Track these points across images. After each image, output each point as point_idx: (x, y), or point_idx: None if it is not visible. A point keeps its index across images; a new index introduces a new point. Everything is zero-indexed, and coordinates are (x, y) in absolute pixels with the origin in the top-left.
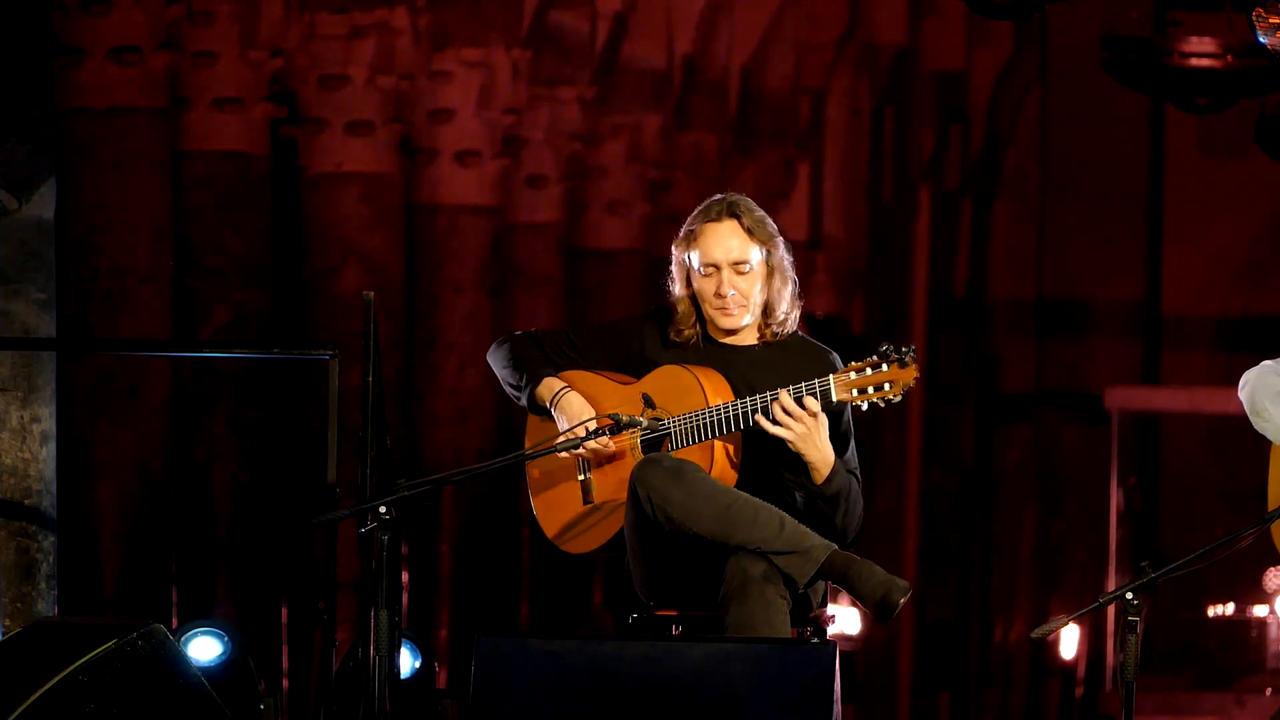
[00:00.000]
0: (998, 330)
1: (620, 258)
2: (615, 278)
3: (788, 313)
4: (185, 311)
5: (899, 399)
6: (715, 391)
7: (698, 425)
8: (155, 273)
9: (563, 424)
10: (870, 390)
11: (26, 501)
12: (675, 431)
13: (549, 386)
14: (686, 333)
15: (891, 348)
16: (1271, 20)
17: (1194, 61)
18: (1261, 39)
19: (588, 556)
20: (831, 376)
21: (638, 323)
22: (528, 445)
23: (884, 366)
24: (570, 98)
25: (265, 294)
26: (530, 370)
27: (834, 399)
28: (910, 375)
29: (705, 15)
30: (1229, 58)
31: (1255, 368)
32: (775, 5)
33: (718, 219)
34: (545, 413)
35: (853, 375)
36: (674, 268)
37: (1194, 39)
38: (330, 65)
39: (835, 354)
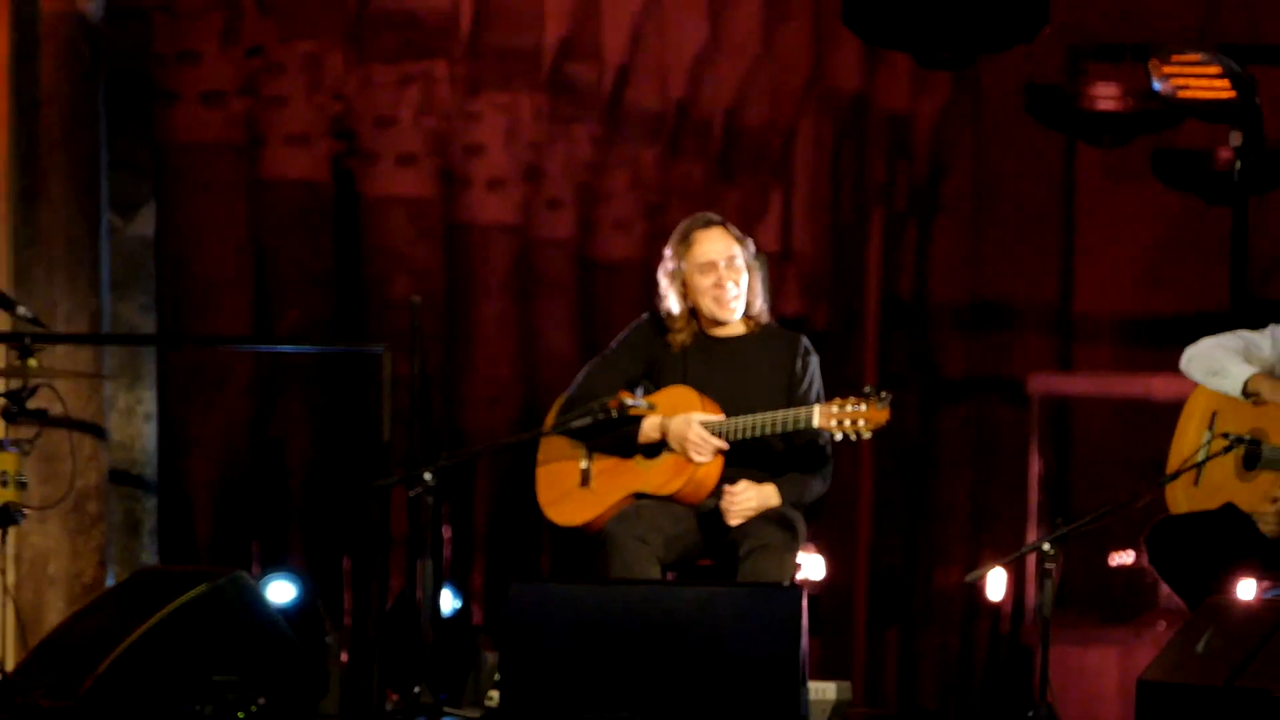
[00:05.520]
0: (937, 328)
1: (624, 268)
2: (619, 285)
3: (763, 304)
4: (263, 312)
5: (868, 436)
6: (709, 406)
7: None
8: (238, 280)
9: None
10: (846, 423)
11: (132, 471)
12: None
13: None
14: (682, 336)
15: (874, 389)
16: (1164, 70)
17: (1100, 105)
18: (1156, 86)
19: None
20: (816, 406)
21: (647, 329)
22: (545, 427)
23: (863, 405)
24: (582, 135)
25: (329, 298)
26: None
27: (815, 425)
28: (883, 416)
29: (694, 66)
30: (1129, 101)
31: (1195, 345)
32: (752, 58)
33: (707, 227)
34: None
35: (834, 408)
36: (665, 280)
37: (1100, 85)
38: (382, 108)
39: (804, 337)
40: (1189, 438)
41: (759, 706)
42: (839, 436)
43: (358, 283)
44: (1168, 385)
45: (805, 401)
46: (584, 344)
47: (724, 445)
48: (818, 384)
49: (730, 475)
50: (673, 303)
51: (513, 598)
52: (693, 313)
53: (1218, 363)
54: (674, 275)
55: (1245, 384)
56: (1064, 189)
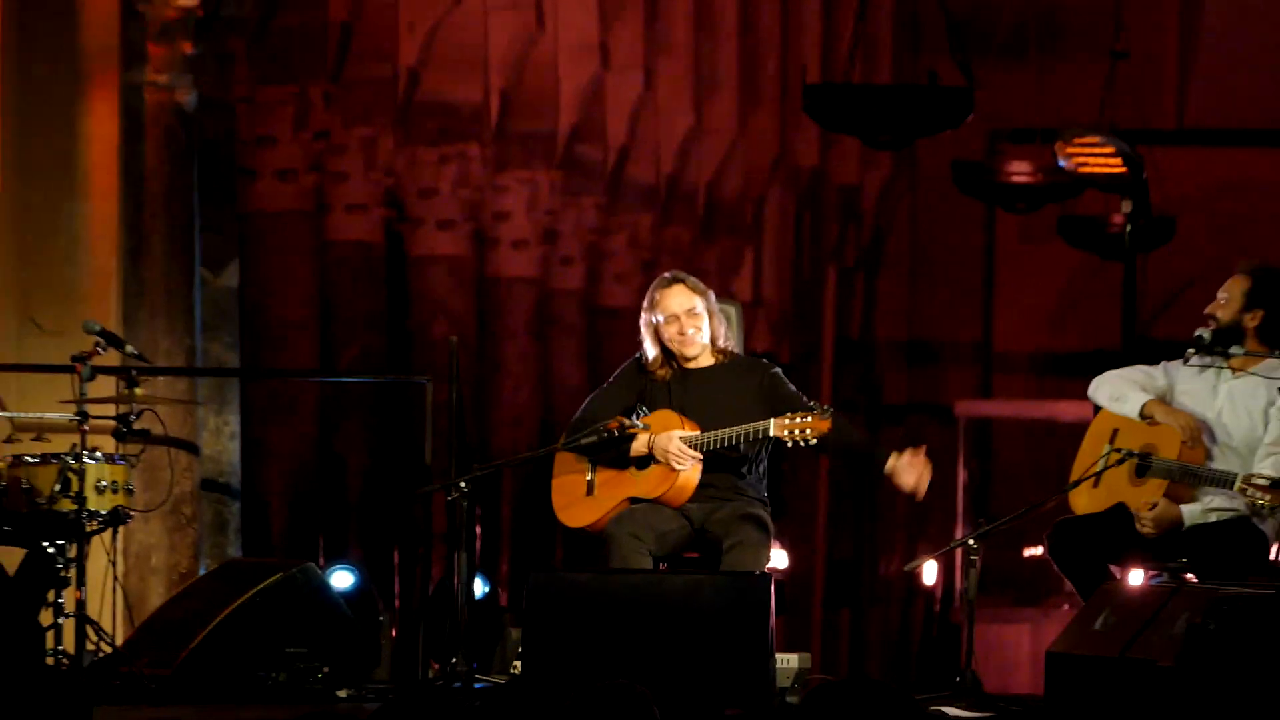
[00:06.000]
0: (881, 362)
1: (623, 313)
2: (619, 327)
3: (727, 339)
4: (327, 350)
5: (814, 443)
6: (687, 425)
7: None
8: (306, 323)
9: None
10: (796, 432)
11: (220, 480)
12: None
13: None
14: (663, 371)
15: (817, 404)
16: (1067, 150)
17: (1015, 178)
18: (1061, 163)
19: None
20: (772, 420)
21: (637, 366)
22: (558, 445)
23: (809, 418)
24: (589, 204)
25: (381, 338)
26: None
27: (772, 434)
28: (825, 425)
29: (681, 147)
30: (1039, 175)
31: (1100, 376)
32: (729, 140)
33: (669, 285)
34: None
35: (786, 420)
36: (644, 330)
37: (1015, 162)
38: (425, 181)
39: (765, 359)
40: (1093, 452)
41: (736, 673)
42: (790, 444)
43: (405, 326)
44: (1071, 410)
45: (787, 400)
46: (590, 376)
47: (699, 456)
48: (789, 386)
49: (706, 479)
50: (649, 348)
51: (532, 584)
52: (668, 353)
53: (1120, 390)
54: (648, 325)
55: (1142, 408)
56: (985, 248)
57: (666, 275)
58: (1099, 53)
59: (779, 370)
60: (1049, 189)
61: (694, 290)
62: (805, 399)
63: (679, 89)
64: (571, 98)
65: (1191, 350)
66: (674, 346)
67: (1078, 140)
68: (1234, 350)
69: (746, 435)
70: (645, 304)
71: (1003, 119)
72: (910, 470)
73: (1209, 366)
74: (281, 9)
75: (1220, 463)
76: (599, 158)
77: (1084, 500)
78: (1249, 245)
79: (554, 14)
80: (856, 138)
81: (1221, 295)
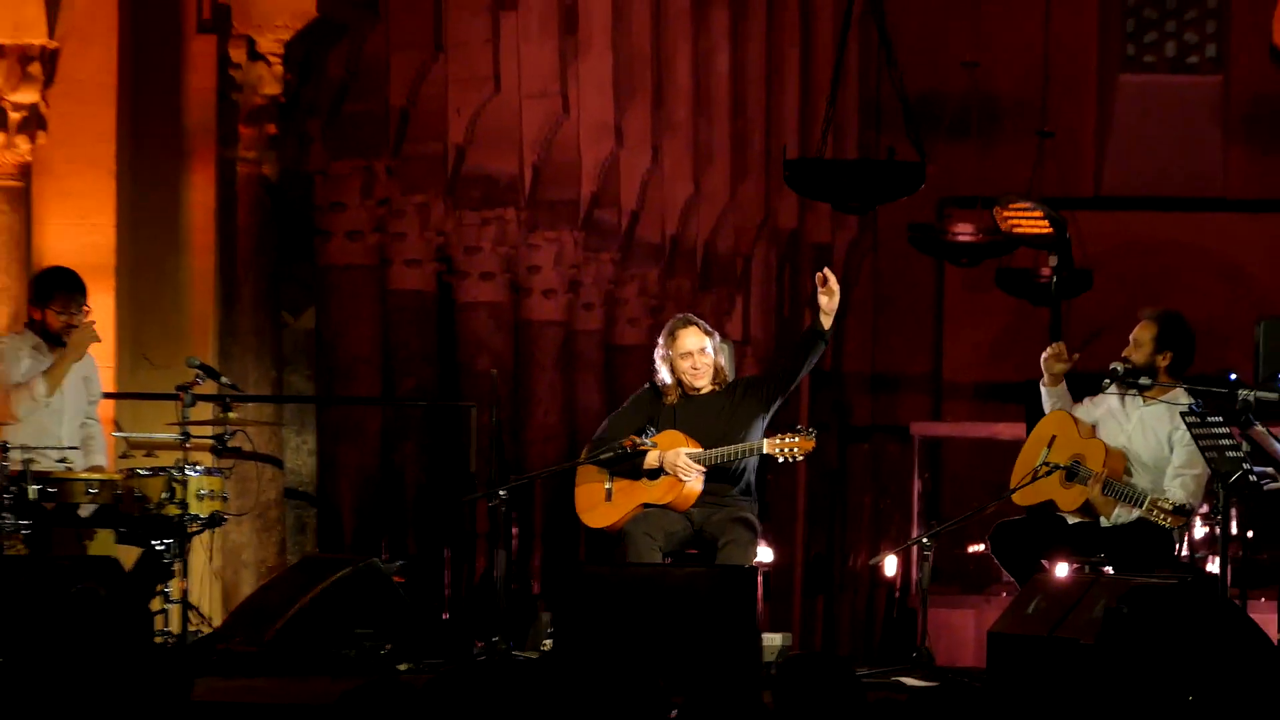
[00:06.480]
0: (849, 390)
1: (634, 350)
2: (630, 362)
3: (726, 371)
4: (388, 381)
5: (801, 459)
6: (691, 443)
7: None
8: (371, 359)
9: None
10: (786, 450)
11: (299, 489)
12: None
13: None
14: (671, 397)
15: (804, 427)
16: (1004, 214)
17: (959, 238)
18: (998, 225)
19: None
20: (764, 440)
21: (648, 394)
22: (581, 459)
23: (797, 438)
24: (606, 259)
25: (434, 371)
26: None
27: (765, 452)
28: (809, 445)
29: (682, 211)
30: (980, 235)
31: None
32: (722, 206)
33: (686, 326)
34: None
35: (778, 440)
36: (659, 360)
37: (960, 224)
38: (470, 240)
39: (743, 380)
40: (1032, 454)
41: (729, 649)
42: (781, 460)
43: (453, 360)
44: (1008, 430)
45: (754, 383)
46: (607, 401)
47: (703, 469)
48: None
49: (706, 488)
50: (665, 375)
51: (560, 576)
52: (678, 381)
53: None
54: (665, 358)
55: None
56: (935, 295)
57: (680, 317)
58: (1029, 133)
59: (745, 378)
60: (988, 246)
61: (704, 332)
62: (765, 378)
63: (681, 163)
64: (591, 170)
65: (1107, 380)
66: (685, 378)
67: (1012, 206)
68: (1144, 381)
69: (744, 452)
70: (661, 339)
71: (949, 188)
72: (827, 295)
73: (1125, 394)
74: (350, 97)
75: (1134, 475)
76: (614, 220)
77: (1024, 495)
78: (1154, 294)
79: (576, 101)
80: (828, 204)
81: (1133, 340)
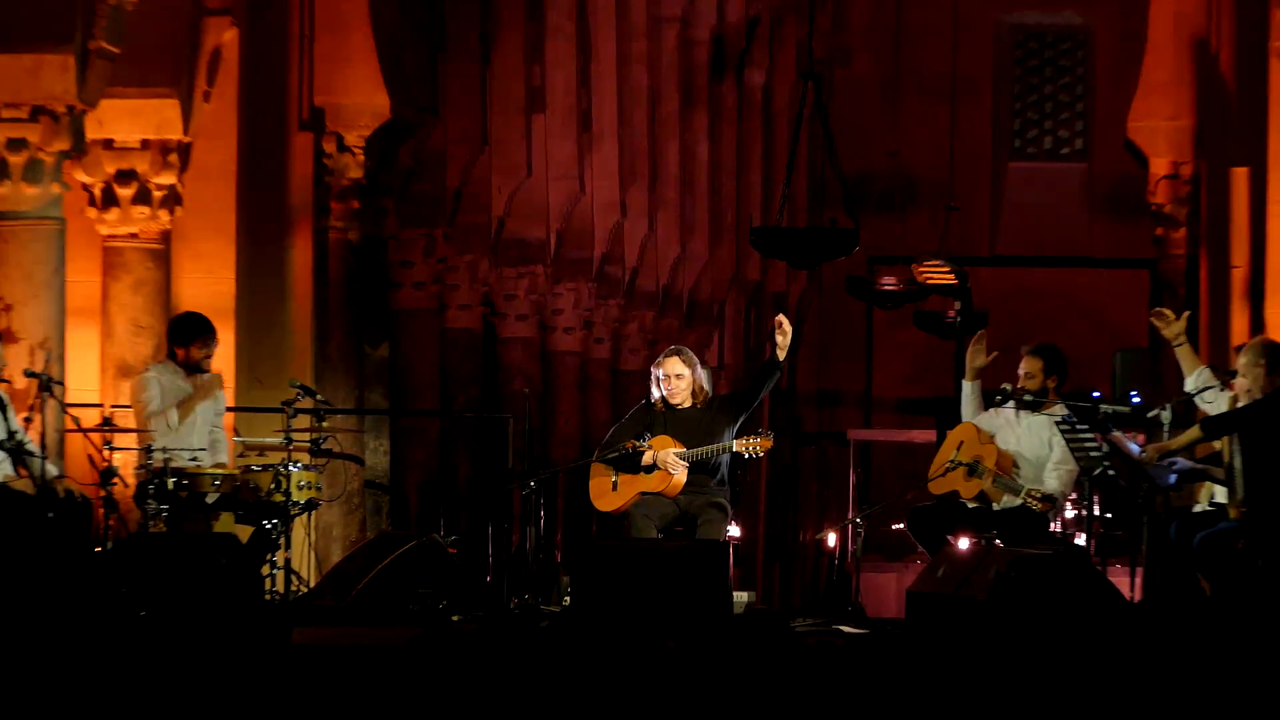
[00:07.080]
0: (800, 404)
1: (634, 375)
2: (631, 383)
3: (705, 390)
4: (445, 398)
5: (762, 456)
6: (677, 445)
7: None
8: (432, 382)
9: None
10: (751, 448)
11: (376, 480)
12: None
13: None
14: (659, 408)
15: (764, 430)
16: (919, 269)
17: (885, 287)
18: (915, 277)
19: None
20: (734, 441)
21: (644, 408)
22: (593, 458)
23: (759, 438)
24: (613, 304)
25: (480, 390)
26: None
27: (734, 449)
28: (768, 444)
29: (673, 267)
30: (901, 285)
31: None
32: (702, 262)
33: (669, 356)
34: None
35: (744, 440)
36: (652, 382)
37: (886, 278)
38: (508, 290)
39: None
40: (945, 454)
41: (706, 604)
42: (747, 457)
43: (495, 382)
44: (922, 436)
45: (727, 399)
46: (613, 414)
47: (686, 465)
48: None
49: (689, 479)
50: (655, 392)
51: (577, 548)
52: (664, 399)
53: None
54: (655, 380)
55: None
56: (866, 332)
57: (671, 349)
58: (939, 206)
59: (720, 395)
60: (907, 294)
61: (685, 361)
62: (735, 396)
63: (670, 230)
64: (602, 235)
65: (999, 396)
66: (666, 395)
67: (926, 263)
68: (1037, 400)
69: (719, 450)
70: (654, 364)
71: (878, 250)
72: (782, 335)
73: (1019, 409)
74: (416, 179)
75: (1021, 469)
76: (619, 274)
77: (939, 485)
78: (1034, 330)
79: (591, 182)
80: (785, 261)
81: (1024, 372)
